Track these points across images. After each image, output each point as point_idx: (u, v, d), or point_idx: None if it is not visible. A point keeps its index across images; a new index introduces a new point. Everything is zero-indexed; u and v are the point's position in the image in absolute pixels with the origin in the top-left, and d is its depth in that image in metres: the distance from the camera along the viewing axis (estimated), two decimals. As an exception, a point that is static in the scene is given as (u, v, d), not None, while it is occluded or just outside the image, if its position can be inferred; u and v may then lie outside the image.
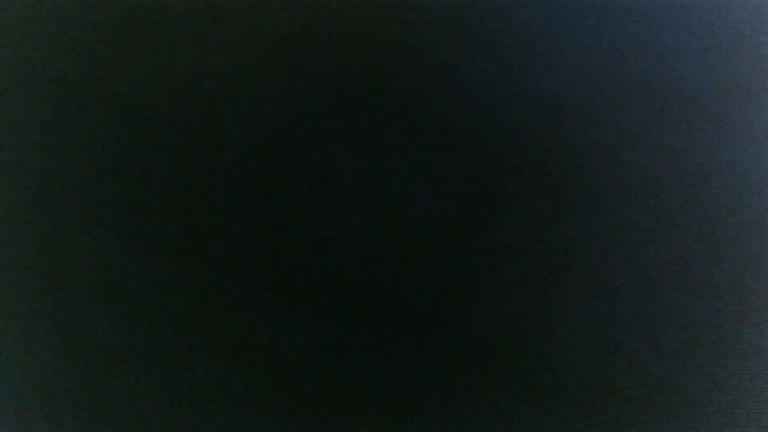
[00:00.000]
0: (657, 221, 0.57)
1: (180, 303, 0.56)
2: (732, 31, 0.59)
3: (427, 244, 0.57)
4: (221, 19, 0.60)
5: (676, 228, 0.57)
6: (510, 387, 0.55)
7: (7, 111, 0.59)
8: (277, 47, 0.59)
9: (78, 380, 0.56)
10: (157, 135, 0.58)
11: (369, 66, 0.59)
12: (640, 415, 0.54)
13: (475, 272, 0.56)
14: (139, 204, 0.57)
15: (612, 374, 0.55)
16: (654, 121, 0.58)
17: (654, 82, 0.59)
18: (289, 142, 0.58)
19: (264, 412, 0.55)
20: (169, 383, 0.55)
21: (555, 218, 0.57)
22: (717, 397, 0.54)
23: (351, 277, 0.56)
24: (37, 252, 0.57)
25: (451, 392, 0.55)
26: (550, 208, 0.57)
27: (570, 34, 0.59)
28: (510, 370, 0.55)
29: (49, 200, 0.58)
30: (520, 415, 0.54)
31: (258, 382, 0.55)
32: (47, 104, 0.59)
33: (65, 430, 0.55)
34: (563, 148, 0.58)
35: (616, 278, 0.56)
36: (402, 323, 0.56)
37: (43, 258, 0.57)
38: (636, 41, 0.59)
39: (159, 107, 0.59)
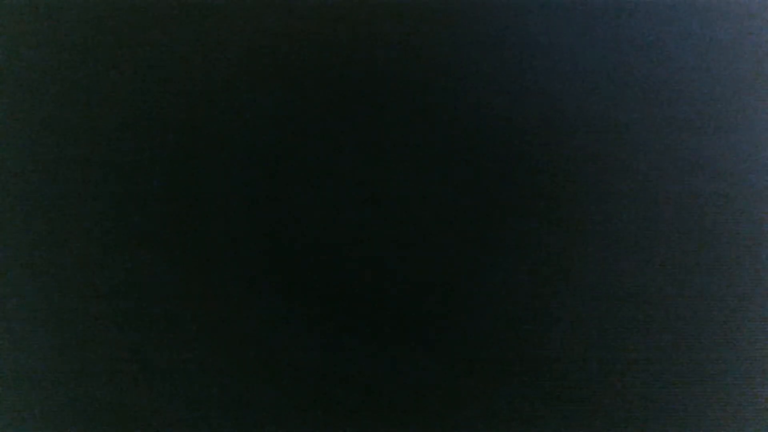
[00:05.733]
0: (657, 221, 0.57)
1: (180, 303, 0.56)
2: (732, 31, 0.60)
3: (427, 243, 0.57)
4: (221, 19, 0.60)
5: (676, 228, 0.57)
6: (510, 387, 0.55)
7: (7, 111, 0.59)
8: (277, 47, 0.59)
9: (78, 380, 0.56)
10: (157, 135, 0.58)
11: (369, 66, 0.59)
12: (640, 415, 0.54)
13: (475, 272, 0.56)
14: (139, 204, 0.57)
15: (612, 374, 0.55)
16: (654, 121, 0.58)
17: (654, 82, 0.59)
18: (289, 142, 0.58)
19: (263, 412, 0.55)
20: (169, 383, 0.55)
21: (555, 218, 0.57)
22: (717, 397, 0.54)
23: (351, 276, 0.56)
24: (37, 252, 0.57)
25: (451, 392, 0.55)
26: (550, 208, 0.57)
27: (570, 34, 0.59)
28: (510, 370, 0.55)
29: (49, 200, 0.58)
30: (520, 415, 0.54)
31: (258, 381, 0.55)
32: (47, 104, 0.59)
33: (65, 430, 0.55)
34: (563, 148, 0.58)
35: (616, 278, 0.56)
36: (402, 323, 0.56)
37: (43, 258, 0.57)
38: (636, 41, 0.59)
39: (159, 107, 0.59)
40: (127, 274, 0.57)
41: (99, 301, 0.56)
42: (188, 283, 0.56)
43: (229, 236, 0.57)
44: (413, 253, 0.56)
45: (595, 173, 0.57)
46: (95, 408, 0.55)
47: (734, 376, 0.55)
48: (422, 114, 0.58)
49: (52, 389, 0.56)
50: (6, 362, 0.56)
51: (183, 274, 0.56)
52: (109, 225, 0.57)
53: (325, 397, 0.55)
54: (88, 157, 0.58)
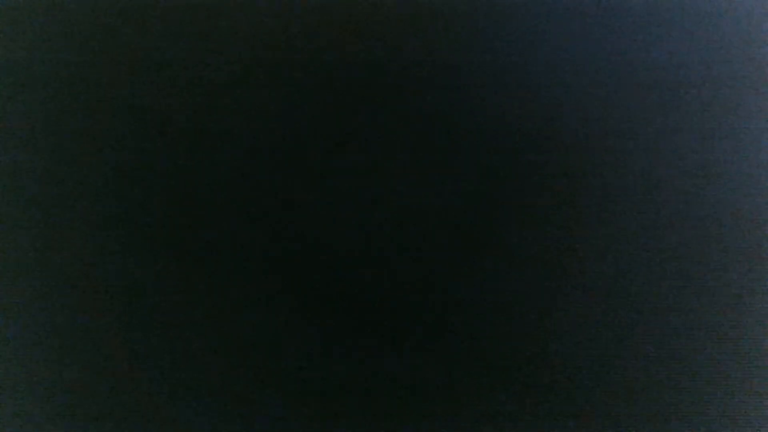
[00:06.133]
0: (657, 221, 0.57)
1: (180, 303, 0.56)
2: (732, 31, 0.59)
3: (427, 244, 0.57)
4: (221, 19, 0.60)
5: (676, 228, 0.57)
6: (510, 387, 0.55)
7: (7, 111, 0.59)
8: (277, 47, 0.59)
9: (78, 380, 0.56)
10: (157, 135, 0.58)
11: (369, 66, 0.59)
12: (640, 415, 0.54)
13: (475, 272, 0.56)
14: (139, 204, 0.57)
15: (612, 374, 0.55)
16: (654, 121, 0.58)
17: (654, 82, 0.59)
18: (289, 142, 0.58)
19: (264, 412, 0.55)
20: (169, 383, 0.55)
21: (555, 218, 0.57)
22: (717, 397, 0.54)
23: (351, 277, 0.56)
24: (37, 252, 0.57)
25: (451, 392, 0.55)
26: (550, 208, 0.57)
27: (570, 34, 0.59)
28: (510, 370, 0.55)
29: (49, 200, 0.58)
30: (520, 415, 0.54)
31: (258, 382, 0.55)
32: (47, 104, 0.59)
33: (65, 430, 0.55)
34: (563, 148, 0.58)
35: (617, 278, 0.56)
36: (402, 323, 0.56)
37: (43, 258, 0.57)
38: (636, 41, 0.59)
39: (159, 107, 0.59)
40: (127, 274, 0.57)
41: (99, 302, 0.56)
42: (189, 284, 0.56)
43: (229, 236, 0.57)
44: (413, 254, 0.56)
45: (595, 173, 0.57)
46: (95, 408, 0.55)
47: (734, 376, 0.55)
48: (422, 114, 0.58)
49: (52, 390, 0.56)
50: (6, 363, 0.56)
51: (183, 274, 0.56)
52: (109, 225, 0.57)
53: (325, 397, 0.55)
54: (89, 157, 0.58)
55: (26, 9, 0.61)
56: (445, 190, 0.57)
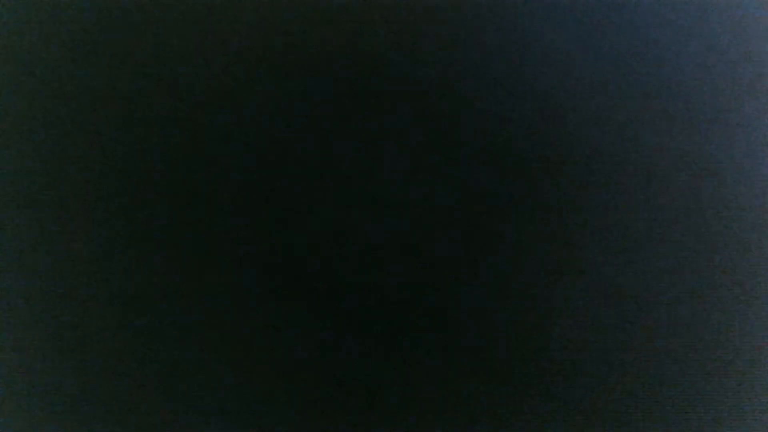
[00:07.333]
0: (657, 221, 0.57)
1: (181, 303, 0.56)
2: (732, 31, 0.60)
3: (427, 243, 0.57)
4: (221, 19, 0.60)
5: (676, 228, 0.57)
6: (510, 387, 0.55)
7: (7, 111, 0.59)
8: (277, 47, 0.60)
9: (78, 380, 0.56)
10: (157, 135, 0.58)
11: (369, 66, 0.59)
12: (640, 415, 0.54)
13: (475, 271, 0.56)
14: (138, 204, 0.57)
15: (612, 374, 0.55)
16: (654, 121, 0.58)
17: (654, 82, 0.59)
18: (289, 142, 0.58)
19: (264, 412, 0.55)
20: (169, 383, 0.55)
21: (555, 217, 0.57)
22: (717, 397, 0.55)
23: (351, 276, 0.56)
24: (37, 252, 0.57)
25: (451, 392, 0.55)
26: (550, 208, 0.57)
27: (570, 34, 0.59)
28: (510, 370, 0.55)
29: (49, 200, 0.58)
30: (520, 415, 0.54)
31: (258, 381, 0.55)
32: (47, 104, 0.59)
33: (65, 430, 0.55)
34: (563, 148, 0.58)
35: (616, 278, 0.56)
36: (402, 323, 0.56)
37: (43, 258, 0.57)
38: (636, 41, 0.59)
39: (159, 107, 0.59)
40: (127, 273, 0.57)
41: (99, 301, 0.56)
42: (188, 284, 0.56)
43: (228, 236, 0.57)
44: (413, 253, 0.56)
45: (595, 173, 0.57)
46: (95, 408, 0.55)
47: (734, 376, 0.55)
48: (422, 113, 0.58)
49: (52, 389, 0.56)
50: (6, 362, 0.56)
51: (183, 274, 0.56)
52: (108, 225, 0.57)
53: (325, 397, 0.55)
54: (88, 157, 0.58)
55: (26, 9, 0.61)
56: (444, 190, 0.57)
